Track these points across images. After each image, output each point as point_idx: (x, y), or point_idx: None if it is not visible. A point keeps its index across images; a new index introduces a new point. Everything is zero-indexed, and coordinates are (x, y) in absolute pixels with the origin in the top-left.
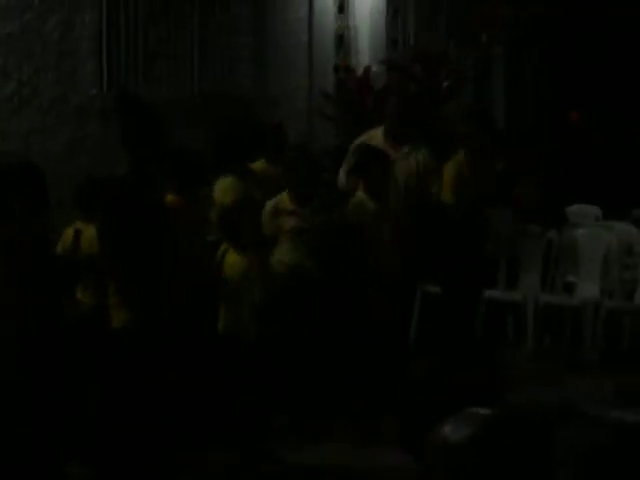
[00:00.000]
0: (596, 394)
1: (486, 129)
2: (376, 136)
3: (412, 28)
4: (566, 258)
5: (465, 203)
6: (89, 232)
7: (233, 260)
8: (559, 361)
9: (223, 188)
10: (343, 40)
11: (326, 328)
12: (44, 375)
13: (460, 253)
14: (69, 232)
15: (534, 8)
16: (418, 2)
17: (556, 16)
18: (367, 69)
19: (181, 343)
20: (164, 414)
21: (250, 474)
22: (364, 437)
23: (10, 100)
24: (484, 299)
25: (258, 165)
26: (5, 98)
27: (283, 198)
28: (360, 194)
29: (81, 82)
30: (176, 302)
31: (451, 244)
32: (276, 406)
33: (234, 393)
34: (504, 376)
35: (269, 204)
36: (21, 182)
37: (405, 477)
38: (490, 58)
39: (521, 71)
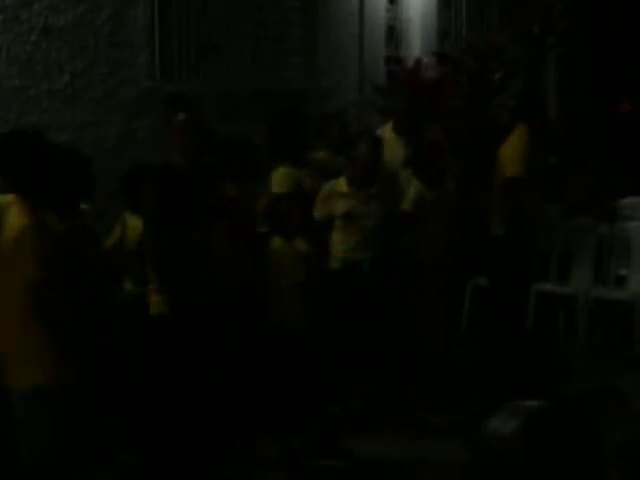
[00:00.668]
0: None
1: (541, 117)
2: (387, 130)
3: (463, 19)
4: (618, 251)
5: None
6: (134, 222)
7: (278, 248)
8: (610, 355)
9: (276, 178)
10: (394, 32)
11: (371, 320)
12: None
13: (509, 246)
14: (120, 223)
15: None
16: None
17: (609, 5)
18: (418, 61)
19: (228, 332)
20: (207, 402)
21: (302, 464)
22: (416, 429)
23: (63, 92)
24: (535, 292)
25: (320, 155)
26: (58, 90)
27: (340, 182)
28: (417, 184)
29: (134, 74)
30: (219, 292)
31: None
32: (325, 396)
33: (281, 382)
34: (554, 369)
35: (325, 187)
36: (69, 169)
37: (455, 468)
38: (542, 49)
39: (574, 62)
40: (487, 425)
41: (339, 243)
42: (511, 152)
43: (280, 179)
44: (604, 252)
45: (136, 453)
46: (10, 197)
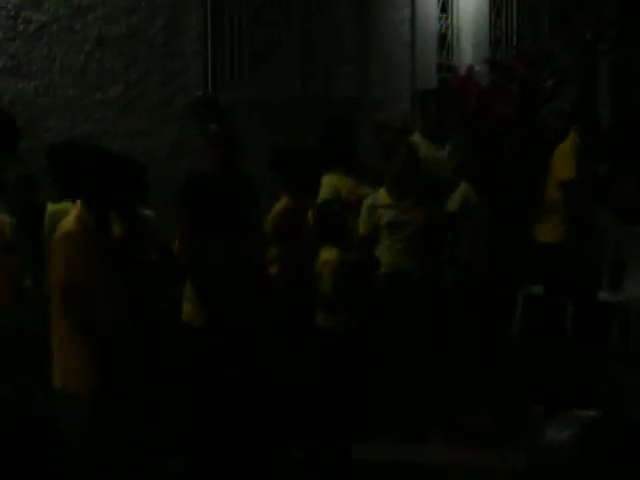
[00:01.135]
0: None
1: (594, 125)
2: (415, 138)
3: (515, 27)
4: None
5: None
6: None
7: (326, 257)
8: None
9: (322, 185)
10: (446, 40)
11: (421, 327)
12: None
13: (568, 253)
14: None
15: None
16: (521, 1)
17: None
18: (470, 68)
19: (271, 341)
20: (244, 410)
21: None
22: (458, 436)
23: (117, 102)
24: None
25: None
26: (112, 100)
27: (381, 194)
28: (465, 185)
29: (186, 84)
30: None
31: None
32: (369, 401)
33: (320, 386)
34: (607, 378)
35: (367, 200)
36: (124, 176)
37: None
38: (595, 56)
39: (627, 69)
40: (543, 434)
41: (385, 253)
42: (564, 157)
43: (325, 186)
44: None
45: (185, 458)
46: (64, 205)
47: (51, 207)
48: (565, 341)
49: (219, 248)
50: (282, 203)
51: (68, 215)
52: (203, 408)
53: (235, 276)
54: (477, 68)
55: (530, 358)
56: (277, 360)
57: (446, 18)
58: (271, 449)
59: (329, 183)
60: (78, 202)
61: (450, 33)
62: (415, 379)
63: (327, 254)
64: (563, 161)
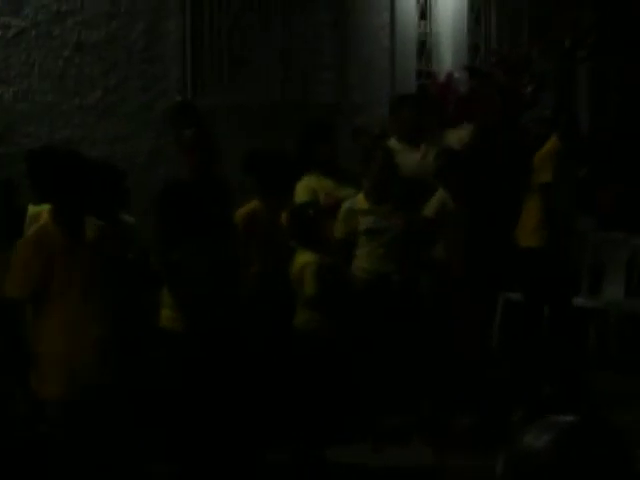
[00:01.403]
0: None
1: (574, 130)
2: (390, 141)
3: (494, 33)
4: None
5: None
6: None
7: (303, 260)
8: None
9: (298, 188)
10: (425, 46)
11: (403, 331)
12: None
13: (546, 258)
14: None
15: (618, 11)
16: (500, 7)
17: None
18: (449, 75)
19: (241, 346)
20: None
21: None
22: (438, 440)
23: (96, 107)
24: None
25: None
26: (91, 106)
27: (359, 199)
28: (442, 192)
29: (166, 89)
30: (239, 309)
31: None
32: (348, 404)
33: (302, 391)
34: (585, 383)
35: (345, 205)
36: (103, 182)
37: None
38: (573, 62)
39: (605, 75)
40: (521, 440)
41: (364, 259)
42: (543, 160)
43: (302, 188)
44: (636, 265)
45: (171, 462)
46: (45, 207)
47: (32, 209)
48: (543, 346)
49: (197, 253)
50: (250, 205)
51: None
52: (184, 413)
53: (214, 281)
54: (456, 74)
55: (509, 364)
56: (257, 364)
57: (425, 24)
58: (253, 452)
59: (307, 185)
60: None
61: (429, 39)
62: (395, 382)
63: (305, 257)
64: (541, 164)
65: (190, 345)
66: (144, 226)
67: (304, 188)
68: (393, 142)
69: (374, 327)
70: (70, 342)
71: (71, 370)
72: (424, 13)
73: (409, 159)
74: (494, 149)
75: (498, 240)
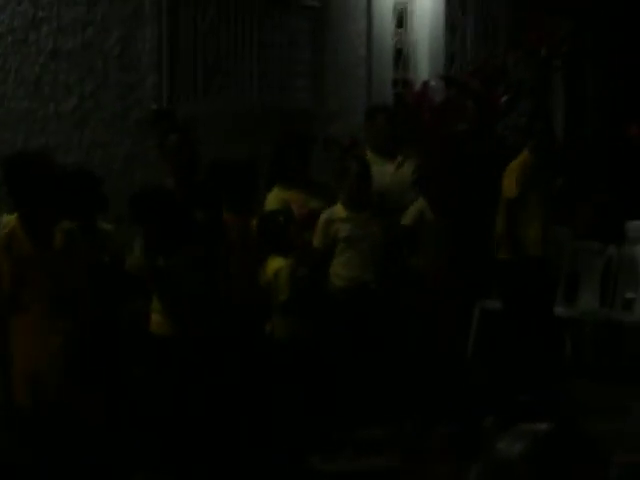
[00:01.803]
0: None
1: (549, 140)
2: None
3: (470, 42)
4: (626, 274)
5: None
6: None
7: (275, 266)
8: (617, 378)
9: (269, 199)
10: (401, 54)
11: (380, 340)
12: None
13: (521, 268)
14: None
15: (594, 20)
16: (477, 16)
17: (616, 28)
18: (425, 84)
19: (229, 351)
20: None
21: None
22: (413, 449)
23: (72, 115)
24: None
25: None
26: (67, 113)
27: (337, 208)
28: (421, 202)
29: (141, 96)
30: (221, 315)
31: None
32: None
33: (276, 398)
34: (560, 393)
35: (323, 215)
36: (80, 188)
37: None
38: (549, 71)
39: (581, 84)
40: (494, 448)
41: (340, 266)
42: (509, 174)
43: (273, 199)
44: (611, 275)
45: (152, 472)
46: None
47: (7, 218)
48: (519, 355)
49: (183, 259)
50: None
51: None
52: (171, 417)
53: (200, 287)
54: (432, 83)
55: (485, 372)
56: (235, 369)
57: (402, 33)
58: (237, 456)
59: (277, 196)
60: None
61: (406, 48)
62: (372, 391)
63: (276, 263)
64: (507, 179)
65: (178, 350)
66: (120, 232)
67: (274, 198)
68: (368, 154)
69: (350, 334)
70: (37, 355)
71: (37, 383)
72: (401, 21)
73: (381, 171)
74: (467, 159)
75: (474, 250)
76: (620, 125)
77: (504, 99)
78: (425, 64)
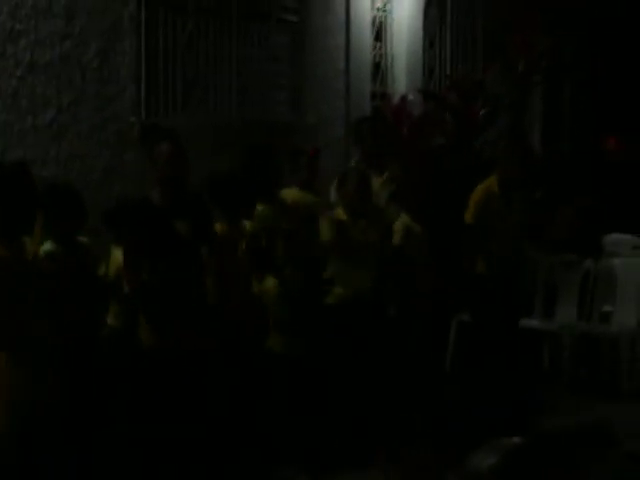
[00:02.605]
0: (633, 426)
1: (523, 156)
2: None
3: (449, 56)
4: (603, 288)
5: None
6: (117, 253)
7: (266, 285)
8: (595, 391)
9: (258, 217)
10: (380, 68)
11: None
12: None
13: (491, 283)
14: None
15: (572, 36)
16: (455, 30)
17: (594, 44)
18: (403, 97)
19: (218, 365)
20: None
21: None
22: (403, 465)
23: (49, 127)
24: (520, 329)
25: (290, 192)
26: (44, 125)
27: (337, 213)
28: (405, 217)
29: (120, 109)
30: (210, 330)
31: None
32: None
33: (273, 411)
34: (537, 406)
35: (324, 221)
36: (61, 203)
37: None
38: (528, 86)
39: (559, 99)
40: (468, 462)
41: (338, 275)
42: (471, 200)
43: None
44: (589, 288)
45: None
46: None
47: None
48: (494, 369)
49: (164, 273)
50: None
51: None
52: (153, 431)
53: (185, 299)
54: (410, 97)
55: (461, 386)
56: (230, 384)
57: (380, 46)
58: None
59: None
60: None
61: (384, 61)
62: (362, 405)
63: (268, 283)
64: (470, 203)
65: (164, 363)
66: (96, 244)
67: (257, 217)
68: (357, 165)
69: (347, 346)
70: (13, 370)
71: (12, 399)
72: (379, 35)
73: (373, 185)
74: (445, 173)
75: (451, 263)
76: (597, 139)
77: (482, 113)
78: (403, 78)
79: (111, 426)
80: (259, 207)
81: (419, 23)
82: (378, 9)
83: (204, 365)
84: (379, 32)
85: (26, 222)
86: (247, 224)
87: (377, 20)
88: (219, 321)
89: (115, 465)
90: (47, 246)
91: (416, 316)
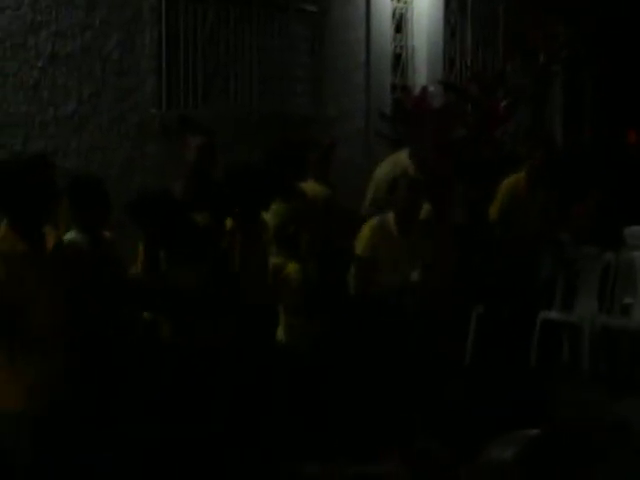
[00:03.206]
0: None
1: (549, 153)
2: (400, 159)
3: (469, 48)
4: (624, 280)
5: (509, 224)
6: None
7: (293, 272)
8: (614, 384)
9: (275, 211)
10: (400, 60)
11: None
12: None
13: (509, 275)
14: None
15: (592, 26)
16: (476, 22)
17: (614, 34)
18: (424, 89)
19: (235, 355)
20: (215, 426)
21: None
22: (412, 457)
23: (70, 119)
24: (540, 321)
25: (307, 186)
26: (66, 117)
27: (388, 218)
28: (427, 206)
29: (140, 101)
30: (225, 321)
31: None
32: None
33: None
34: (557, 398)
35: (373, 221)
36: (84, 193)
37: None
38: (548, 77)
39: (579, 90)
40: (486, 453)
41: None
42: (498, 193)
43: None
44: (609, 281)
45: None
46: None
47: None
48: (514, 360)
49: (183, 265)
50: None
51: None
52: (169, 427)
53: (203, 291)
54: (431, 89)
55: (481, 376)
56: (247, 375)
57: (401, 38)
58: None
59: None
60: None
61: (405, 53)
62: (373, 398)
63: (290, 268)
64: (497, 197)
65: (180, 358)
66: (118, 237)
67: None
68: (404, 155)
69: (360, 338)
70: (37, 358)
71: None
72: (400, 27)
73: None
74: (466, 164)
75: (472, 255)
76: (618, 132)
77: (503, 105)
78: (424, 70)
79: (127, 421)
80: (281, 201)
81: (440, 14)
82: (399, 0)
83: (220, 360)
84: (399, 24)
85: (46, 214)
86: (272, 215)
87: (397, 12)
88: (236, 314)
89: (132, 460)
90: (70, 235)
91: (434, 308)
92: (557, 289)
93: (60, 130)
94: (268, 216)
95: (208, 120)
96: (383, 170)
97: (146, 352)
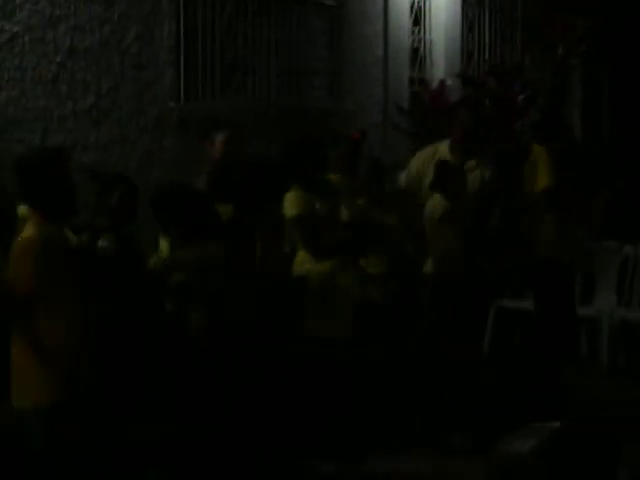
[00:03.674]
0: None
1: (561, 137)
2: (441, 149)
3: (487, 41)
4: None
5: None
6: (164, 244)
7: (314, 266)
8: (633, 377)
9: (287, 200)
10: (418, 53)
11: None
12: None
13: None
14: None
15: (611, 19)
16: (493, 15)
17: (633, 27)
18: (442, 82)
19: (256, 346)
20: (243, 417)
21: None
22: (434, 449)
23: (89, 113)
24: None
25: (333, 177)
26: (84, 111)
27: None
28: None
29: (159, 94)
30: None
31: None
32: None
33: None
34: (575, 392)
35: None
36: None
37: None
38: (566, 70)
39: (598, 84)
40: (507, 445)
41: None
42: (534, 169)
43: (290, 201)
44: (628, 274)
45: (164, 469)
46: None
47: (22, 210)
48: (536, 353)
49: (204, 256)
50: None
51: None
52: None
53: (223, 283)
54: (449, 82)
55: (500, 371)
56: (269, 366)
57: (418, 32)
58: (256, 455)
59: (293, 200)
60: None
61: (422, 47)
62: (400, 391)
63: (326, 265)
64: (534, 173)
65: (206, 348)
66: (142, 231)
67: (295, 201)
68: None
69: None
70: (68, 343)
71: (53, 377)
72: (417, 20)
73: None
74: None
75: (489, 248)
76: (637, 125)
77: (521, 98)
78: (441, 63)
79: (156, 411)
80: (293, 193)
81: (457, 7)
82: None
83: (243, 349)
84: (417, 17)
85: (66, 208)
86: (294, 206)
87: (415, 5)
88: (260, 305)
89: (160, 448)
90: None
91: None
92: (576, 283)
93: (79, 124)
94: (289, 208)
95: (226, 114)
96: (419, 160)
97: (173, 342)
